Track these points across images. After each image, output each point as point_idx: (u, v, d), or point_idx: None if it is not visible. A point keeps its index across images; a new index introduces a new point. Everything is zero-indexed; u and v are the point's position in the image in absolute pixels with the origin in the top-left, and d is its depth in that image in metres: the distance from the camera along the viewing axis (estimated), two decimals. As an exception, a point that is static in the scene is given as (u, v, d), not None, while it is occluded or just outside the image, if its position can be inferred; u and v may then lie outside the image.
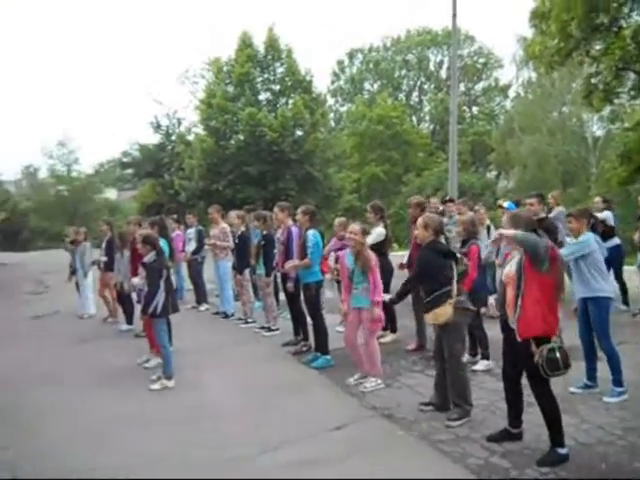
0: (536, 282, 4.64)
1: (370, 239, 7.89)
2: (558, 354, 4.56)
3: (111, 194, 54.75)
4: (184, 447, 5.20)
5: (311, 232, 7.65)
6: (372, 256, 6.63)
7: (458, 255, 5.96)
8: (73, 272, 12.00)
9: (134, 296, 8.60)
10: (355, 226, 6.75)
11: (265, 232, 9.25)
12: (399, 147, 40.42)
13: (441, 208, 11.43)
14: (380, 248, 7.97)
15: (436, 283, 5.57)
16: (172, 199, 33.64)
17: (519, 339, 4.69)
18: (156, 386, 6.86)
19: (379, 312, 6.58)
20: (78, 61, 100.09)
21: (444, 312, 5.50)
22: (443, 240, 6.10)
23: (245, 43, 30.56)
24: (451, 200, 11.12)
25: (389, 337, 8.67)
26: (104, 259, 10.94)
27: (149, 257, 7.12)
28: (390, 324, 8.72)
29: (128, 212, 43.98)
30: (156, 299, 6.96)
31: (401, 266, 8.21)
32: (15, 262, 27.69)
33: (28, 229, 47.68)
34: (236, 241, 10.09)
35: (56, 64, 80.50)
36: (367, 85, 50.82)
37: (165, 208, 32.35)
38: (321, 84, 64.46)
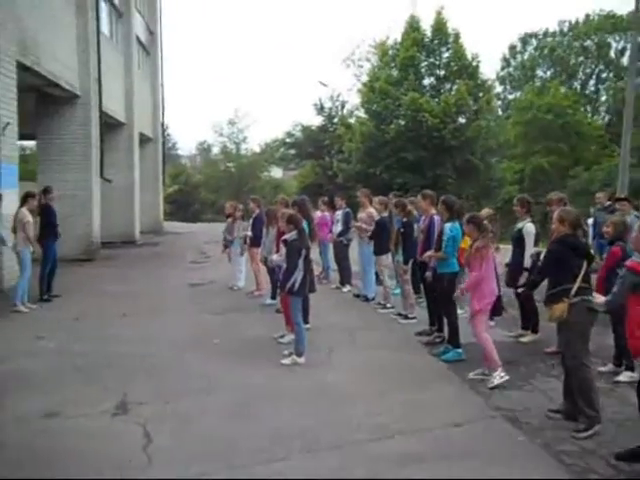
0: (629, 300, 4.61)
1: (529, 245, 7.70)
2: None
3: (276, 173, 56.85)
4: (307, 425, 5.32)
5: (449, 225, 7.49)
6: (484, 252, 6.42)
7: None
8: (227, 245, 12.66)
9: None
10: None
11: (405, 219, 9.21)
12: (568, 138, 38.26)
13: (607, 203, 10.76)
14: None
15: (559, 278, 5.29)
16: (330, 180, 34.35)
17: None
18: (287, 361, 7.09)
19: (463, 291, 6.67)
20: (250, 43, 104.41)
21: (558, 309, 5.22)
22: (581, 235, 5.76)
23: (412, 27, 30.33)
24: (626, 199, 10.39)
25: (529, 337, 8.33)
26: (249, 234, 11.45)
27: (290, 236, 7.34)
28: (531, 324, 8.37)
29: (290, 191, 45.52)
30: (294, 277, 7.18)
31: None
32: (186, 232, 29.67)
33: (199, 201, 50.78)
34: (375, 226, 10.18)
35: (230, 47, 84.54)
36: (539, 72, 48.53)
37: (324, 189, 33.11)
38: (489, 70, 62.41)
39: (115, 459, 4.60)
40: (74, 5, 16.98)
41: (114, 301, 11.23)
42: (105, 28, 20.66)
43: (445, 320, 7.77)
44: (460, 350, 7.35)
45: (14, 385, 6.40)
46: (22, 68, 12.73)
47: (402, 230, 9.19)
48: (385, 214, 10.16)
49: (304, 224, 7.65)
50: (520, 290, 7.44)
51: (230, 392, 6.16)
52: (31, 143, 29.49)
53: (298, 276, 7.20)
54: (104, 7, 20.61)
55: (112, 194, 21.52)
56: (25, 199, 10.45)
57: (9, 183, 11.74)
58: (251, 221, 11.57)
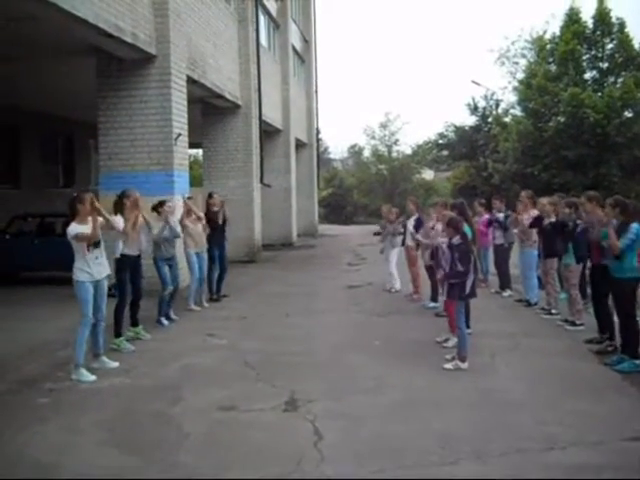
0: None
1: None
2: None
3: (428, 175, 56.39)
4: (474, 430, 5.24)
5: (636, 226, 6.97)
6: None
7: None
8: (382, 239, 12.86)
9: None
10: None
11: (573, 220, 8.82)
12: None
13: None
14: None
15: None
16: (485, 182, 33.56)
17: None
18: (449, 366, 7.03)
19: None
20: (401, 45, 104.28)
21: None
22: None
23: (571, 19, 28.86)
24: None
25: None
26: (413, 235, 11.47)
27: (456, 240, 7.26)
28: None
29: (443, 192, 44.99)
30: (467, 282, 7.12)
31: None
32: (340, 234, 30.33)
33: (351, 204, 51.50)
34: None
35: (380, 49, 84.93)
36: None
37: (479, 190, 32.43)
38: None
39: (289, 453, 4.80)
40: (236, 20, 17.93)
41: (276, 301, 11.72)
42: (263, 39, 21.60)
43: (620, 328, 7.33)
44: (638, 361, 6.89)
45: (191, 379, 6.86)
46: (190, 81, 13.61)
47: (568, 231, 8.82)
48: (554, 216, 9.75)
49: (466, 227, 7.56)
50: None
51: (394, 393, 6.22)
52: (193, 150, 31.39)
53: (469, 281, 7.13)
54: (262, 20, 21.56)
55: (270, 198, 22.47)
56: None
57: (181, 189, 12.58)
58: (411, 223, 11.56)
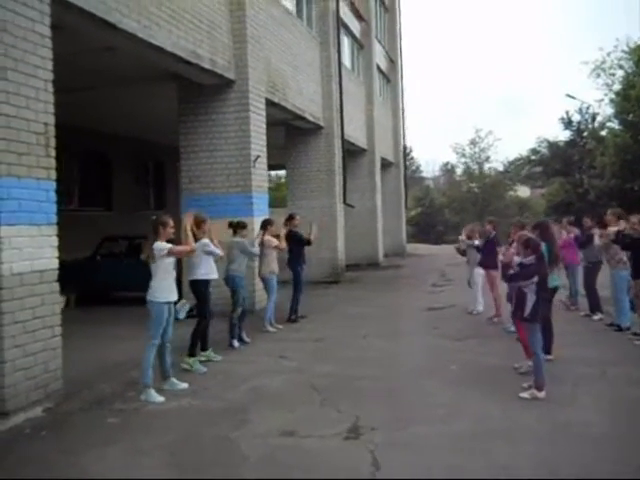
0: None
1: None
2: None
3: (523, 192, 54.97)
4: (546, 467, 4.87)
5: None
6: None
7: None
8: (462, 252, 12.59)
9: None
10: None
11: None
12: None
13: None
14: None
15: None
16: (581, 198, 32.25)
17: None
18: (525, 395, 6.62)
19: None
20: (491, 60, 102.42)
21: None
22: None
23: (672, 26, 27.43)
24: None
25: None
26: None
27: (529, 260, 6.92)
28: None
29: (537, 209, 43.65)
30: (527, 302, 6.75)
31: None
32: (428, 254, 29.86)
33: (442, 223, 50.82)
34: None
35: (470, 65, 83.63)
36: None
37: (575, 207, 31.19)
38: None
39: (343, 484, 4.63)
40: (317, 42, 18.05)
41: (356, 323, 11.56)
42: (347, 60, 21.67)
43: None
44: None
45: (257, 402, 6.78)
46: (270, 104, 13.72)
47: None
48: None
49: (543, 248, 7.16)
50: None
51: (464, 423, 5.90)
52: (282, 172, 31.83)
53: (530, 302, 6.75)
54: (346, 41, 21.65)
55: (356, 218, 22.41)
56: (265, 226, 10.89)
57: (260, 211, 12.67)
58: (487, 243, 11.18)
